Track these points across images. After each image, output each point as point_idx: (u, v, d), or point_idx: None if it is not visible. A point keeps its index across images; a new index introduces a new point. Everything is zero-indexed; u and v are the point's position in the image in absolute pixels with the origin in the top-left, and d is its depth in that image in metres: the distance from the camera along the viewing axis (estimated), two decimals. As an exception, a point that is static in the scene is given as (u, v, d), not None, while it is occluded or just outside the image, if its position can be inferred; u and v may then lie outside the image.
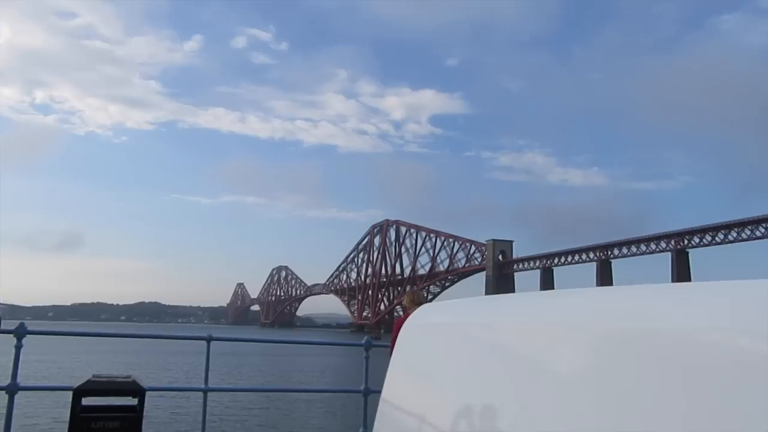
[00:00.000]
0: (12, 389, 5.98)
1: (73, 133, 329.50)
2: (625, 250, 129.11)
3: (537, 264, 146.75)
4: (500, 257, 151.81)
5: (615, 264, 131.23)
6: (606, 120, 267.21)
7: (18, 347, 6.04)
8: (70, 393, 5.48)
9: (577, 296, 1.75)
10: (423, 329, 2.33)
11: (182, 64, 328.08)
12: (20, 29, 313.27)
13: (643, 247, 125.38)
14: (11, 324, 6.22)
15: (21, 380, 6.10)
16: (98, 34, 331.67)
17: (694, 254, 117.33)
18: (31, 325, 6.60)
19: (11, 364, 6.06)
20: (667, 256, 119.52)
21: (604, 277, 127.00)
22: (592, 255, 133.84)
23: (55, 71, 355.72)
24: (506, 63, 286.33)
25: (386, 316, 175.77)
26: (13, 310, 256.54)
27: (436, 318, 2.36)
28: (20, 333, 6.05)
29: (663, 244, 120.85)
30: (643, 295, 1.47)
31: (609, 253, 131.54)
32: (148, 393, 5.75)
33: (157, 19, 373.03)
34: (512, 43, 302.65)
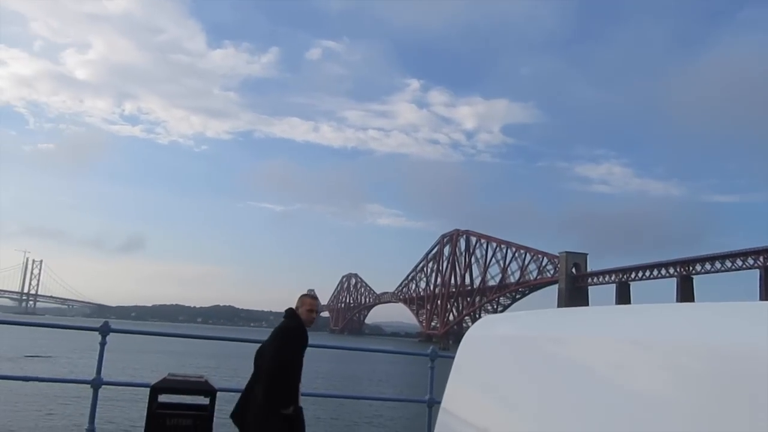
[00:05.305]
0: (97, 383, 6.35)
1: (157, 142, 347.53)
2: (708, 266, 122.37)
3: (613, 278, 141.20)
4: (573, 270, 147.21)
5: (697, 280, 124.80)
6: (685, 129, 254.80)
7: (102, 344, 6.42)
8: (148, 390, 5.77)
9: (650, 311, 1.65)
10: (485, 341, 2.29)
11: (259, 75, 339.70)
12: (114, 45, 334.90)
13: (728, 264, 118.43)
14: (97, 322, 6.65)
15: (104, 376, 6.48)
16: (183, 48, 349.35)
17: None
18: (114, 324, 7.01)
19: (96, 361, 6.44)
20: (755, 273, 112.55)
21: (686, 295, 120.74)
22: (672, 270, 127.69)
23: (143, 84, 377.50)
24: (573, 69, 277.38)
25: (455, 327, 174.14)
26: (100, 310, 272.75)
27: (499, 330, 2.31)
28: (104, 331, 6.42)
29: (750, 261, 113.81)
30: (724, 312, 1.39)
31: (691, 268, 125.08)
32: (219, 393, 5.96)
33: (237, 33, 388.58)
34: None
